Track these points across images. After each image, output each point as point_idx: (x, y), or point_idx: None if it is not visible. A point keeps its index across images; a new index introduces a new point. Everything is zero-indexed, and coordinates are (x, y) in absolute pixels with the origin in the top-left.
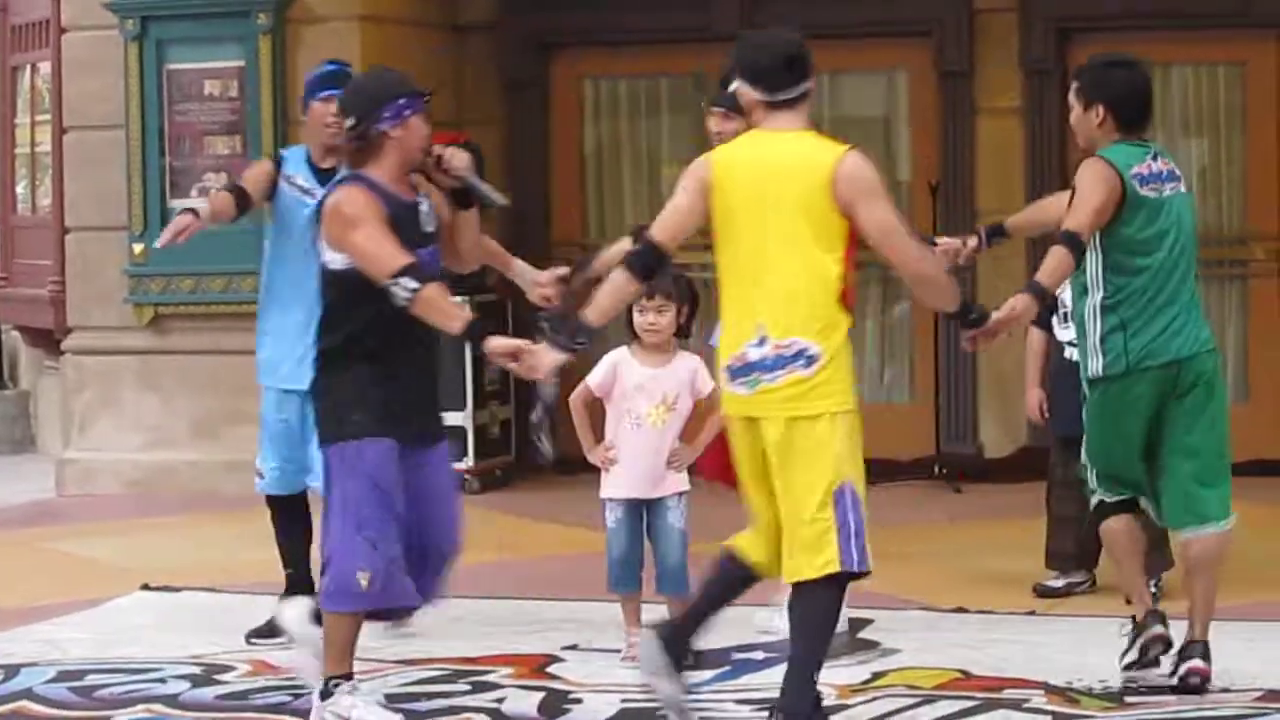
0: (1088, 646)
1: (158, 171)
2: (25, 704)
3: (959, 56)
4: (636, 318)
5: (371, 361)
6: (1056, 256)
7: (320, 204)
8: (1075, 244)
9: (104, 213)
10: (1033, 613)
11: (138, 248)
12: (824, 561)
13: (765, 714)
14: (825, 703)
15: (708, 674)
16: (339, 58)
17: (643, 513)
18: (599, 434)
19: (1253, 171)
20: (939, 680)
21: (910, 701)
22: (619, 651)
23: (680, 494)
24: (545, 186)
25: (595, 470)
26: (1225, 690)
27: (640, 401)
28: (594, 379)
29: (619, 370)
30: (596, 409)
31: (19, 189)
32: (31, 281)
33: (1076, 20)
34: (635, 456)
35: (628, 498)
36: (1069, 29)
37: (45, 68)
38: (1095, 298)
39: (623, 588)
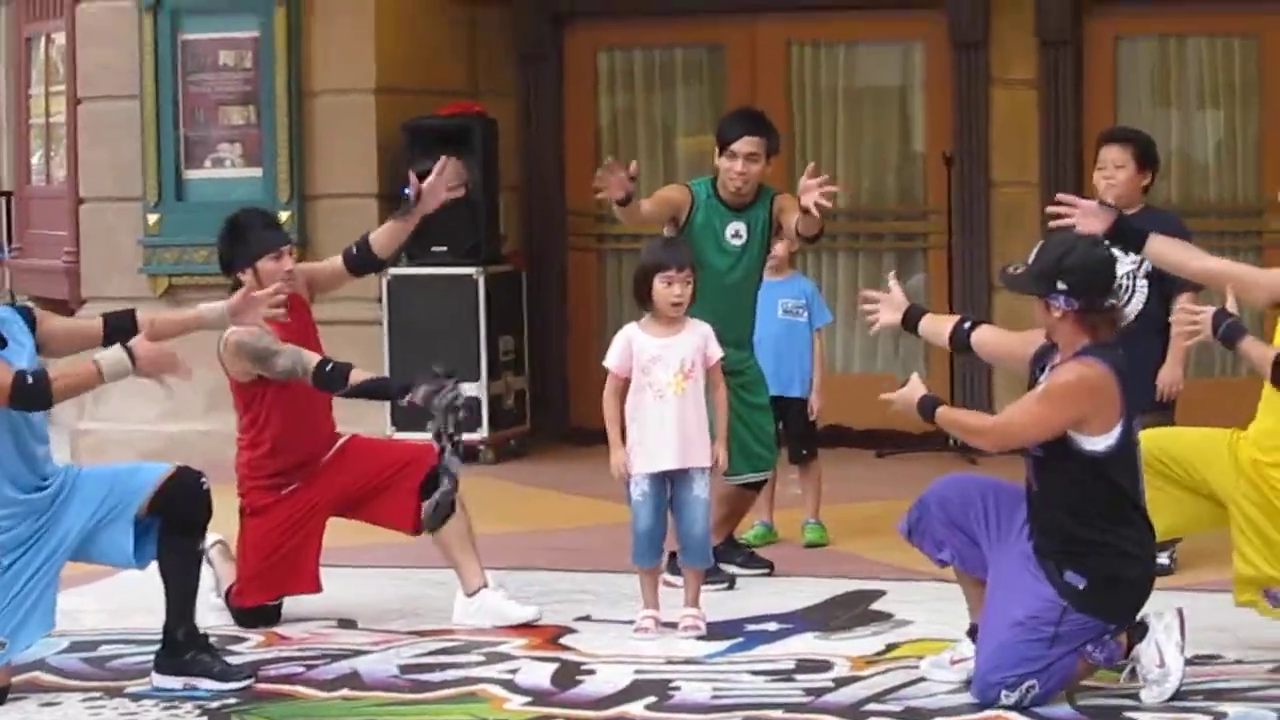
0: None
1: (172, 142)
2: (38, 674)
3: (974, 27)
4: (663, 289)
5: None
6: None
7: None
8: None
9: (118, 183)
10: None
11: (152, 218)
12: None
13: (778, 683)
14: (838, 673)
15: (722, 644)
16: (354, 27)
17: (667, 485)
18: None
19: (1268, 143)
20: None
21: (911, 678)
22: (632, 623)
23: (705, 468)
24: (560, 158)
25: (608, 439)
26: (1239, 662)
27: (658, 373)
28: (613, 361)
29: (633, 345)
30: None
31: (34, 160)
32: (46, 252)
33: None
34: (662, 428)
35: (656, 471)
36: (1086, 0)
37: (59, 38)
38: None
39: (647, 561)
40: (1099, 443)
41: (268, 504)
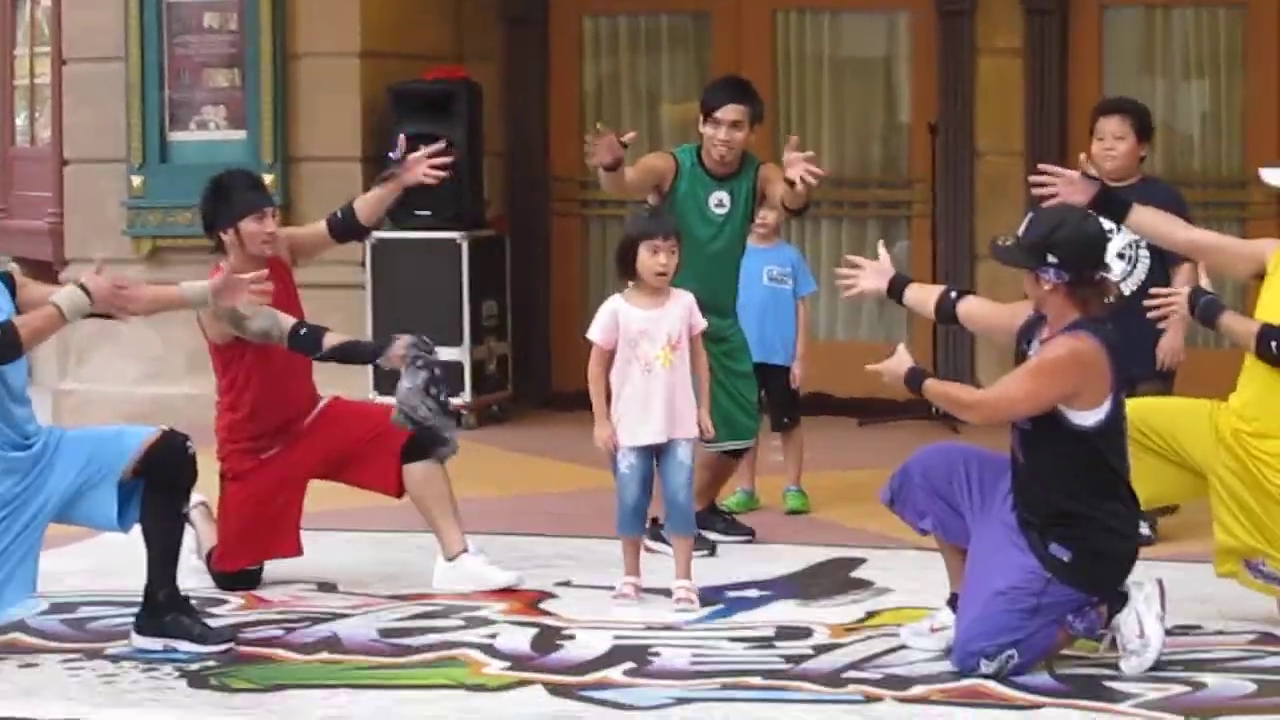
0: None
1: (157, 104)
2: (18, 635)
3: None
4: (649, 259)
5: None
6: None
7: None
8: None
9: (103, 145)
10: None
11: (136, 180)
12: None
13: (758, 650)
14: (818, 640)
15: (703, 611)
16: None
17: (653, 457)
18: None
19: (1253, 115)
20: None
21: (889, 646)
22: (612, 589)
23: (689, 438)
24: (545, 123)
25: (590, 406)
26: (1220, 633)
27: (645, 346)
28: (598, 334)
29: (619, 318)
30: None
31: (18, 121)
32: (30, 213)
33: None
34: (650, 400)
35: (641, 444)
36: None
37: None
38: None
39: (632, 530)
40: (1088, 417)
41: (248, 468)
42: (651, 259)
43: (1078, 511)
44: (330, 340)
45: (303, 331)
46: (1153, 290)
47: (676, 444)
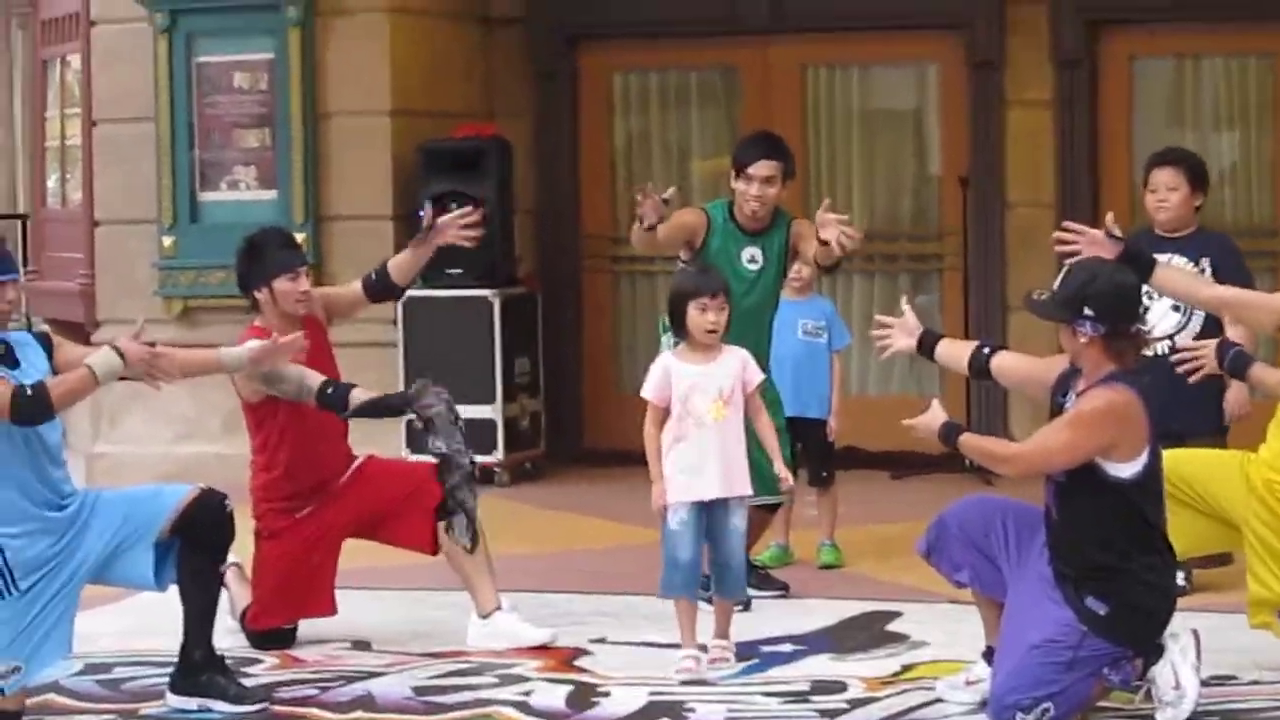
0: None
1: (187, 164)
2: (53, 696)
3: (990, 48)
4: (697, 317)
5: None
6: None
7: None
8: None
9: (134, 206)
10: None
11: (167, 240)
12: None
13: (793, 704)
14: (853, 694)
15: (738, 666)
16: (369, 49)
17: (702, 516)
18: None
19: None
20: None
21: (925, 700)
22: (647, 644)
23: (743, 497)
24: (575, 179)
25: (624, 463)
26: (1256, 683)
27: (697, 401)
28: (652, 391)
29: (671, 374)
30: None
31: (49, 182)
32: (62, 274)
33: (1107, 12)
34: (703, 455)
35: (697, 500)
36: (1099, 20)
37: (75, 61)
38: None
39: (683, 591)
40: (1125, 469)
41: (283, 527)
42: (700, 317)
43: (1114, 564)
44: (357, 397)
45: (330, 390)
46: (1180, 346)
47: (730, 506)
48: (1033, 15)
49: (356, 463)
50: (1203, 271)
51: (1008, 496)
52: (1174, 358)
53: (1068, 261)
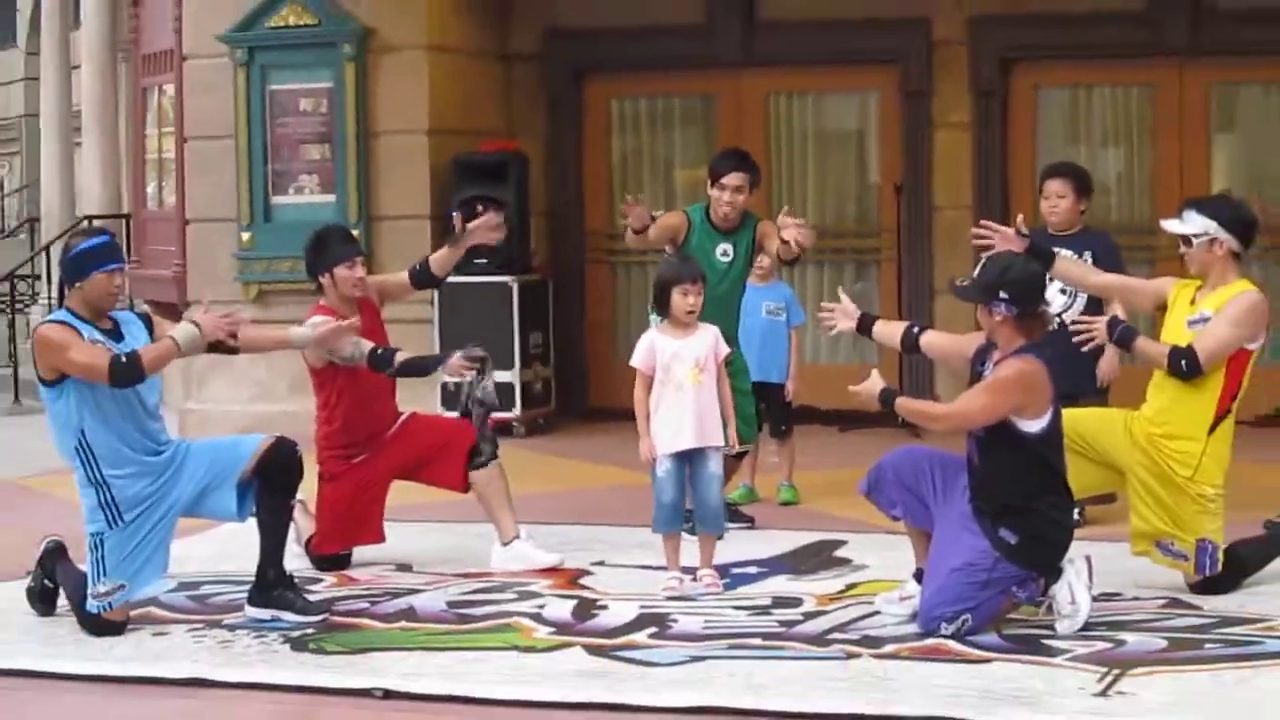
0: None
1: (262, 174)
2: (151, 609)
3: (920, 80)
4: (679, 300)
5: None
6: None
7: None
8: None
9: (217, 207)
10: None
11: (245, 236)
12: None
13: (757, 616)
14: (807, 608)
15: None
16: (411, 80)
17: (685, 463)
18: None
19: (1160, 175)
20: None
21: (866, 612)
22: (639, 567)
23: (718, 447)
24: (579, 187)
25: (620, 419)
26: (1137, 599)
27: (677, 369)
28: (639, 360)
29: (655, 347)
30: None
31: (149, 189)
32: (158, 264)
33: (1016, 50)
34: (682, 414)
35: (676, 452)
36: (1010, 58)
37: (170, 89)
38: None
39: (669, 527)
40: (1034, 425)
41: (341, 471)
42: (682, 300)
43: (1024, 503)
44: (400, 357)
45: (379, 352)
46: (1075, 320)
47: (707, 454)
48: (955, 53)
49: (402, 418)
50: (1088, 263)
51: (934, 447)
52: (1071, 328)
53: (984, 254)
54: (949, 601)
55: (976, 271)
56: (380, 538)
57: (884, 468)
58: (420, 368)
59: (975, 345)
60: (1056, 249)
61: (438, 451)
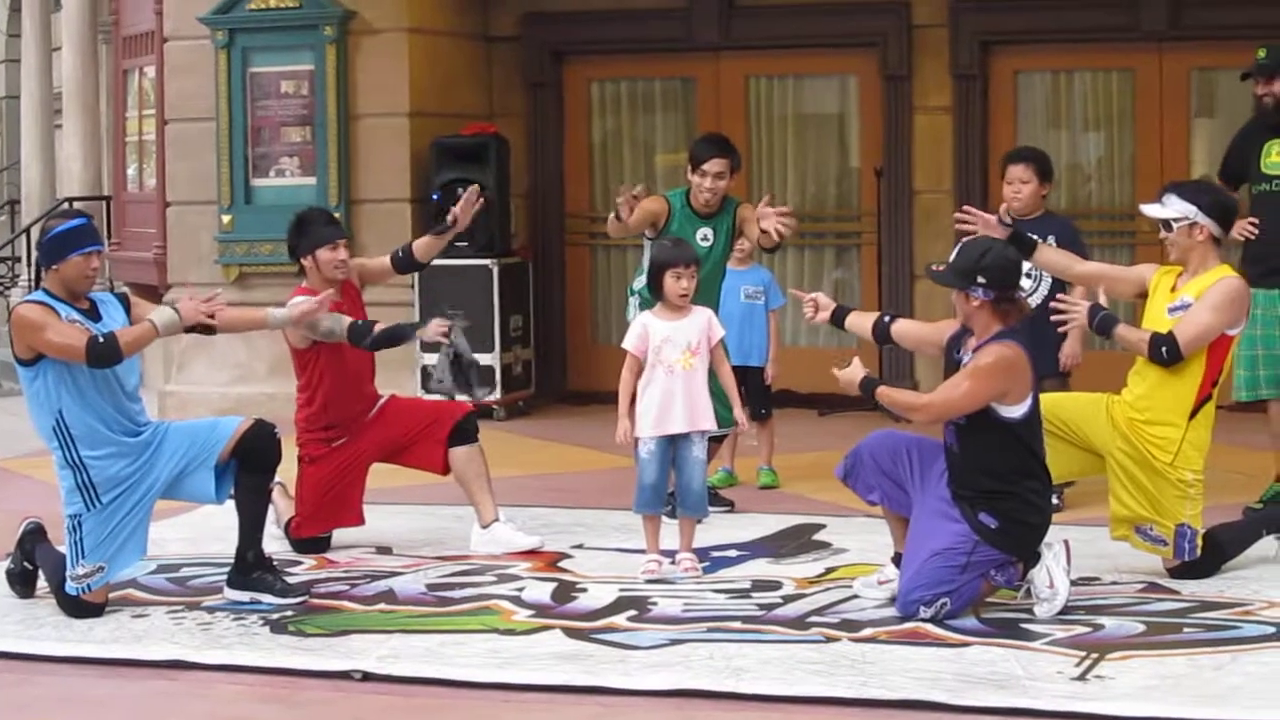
0: None
1: (242, 156)
2: (131, 591)
3: (900, 63)
4: (672, 284)
5: None
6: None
7: None
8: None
9: (198, 190)
10: None
11: (226, 218)
12: None
13: (737, 600)
14: (786, 591)
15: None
16: (391, 62)
17: (670, 446)
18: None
19: (1139, 159)
20: None
21: (845, 595)
22: (618, 550)
23: (703, 431)
24: (560, 168)
25: (599, 402)
26: (1115, 583)
27: (668, 351)
28: (632, 343)
29: (648, 329)
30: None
31: (129, 171)
32: (139, 246)
33: (996, 35)
34: (671, 397)
35: (663, 434)
36: (990, 42)
37: (150, 71)
38: None
39: (651, 509)
40: (1015, 411)
41: (322, 454)
42: (675, 283)
43: (1003, 488)
44: (379, 328)
45: (358, 324)
46: (1058, 298)
47: (693, 439)
48: (936, 37)
49: (381, 401)
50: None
51: (910, 432)
52: (1053, 305)
53: (964, 239)
54: (928, 584)
55: (952, 256)
56: (360, 520)
57: (861, 453)
58: (399, 335)
59: (948, 332)
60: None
61: (418, 434)
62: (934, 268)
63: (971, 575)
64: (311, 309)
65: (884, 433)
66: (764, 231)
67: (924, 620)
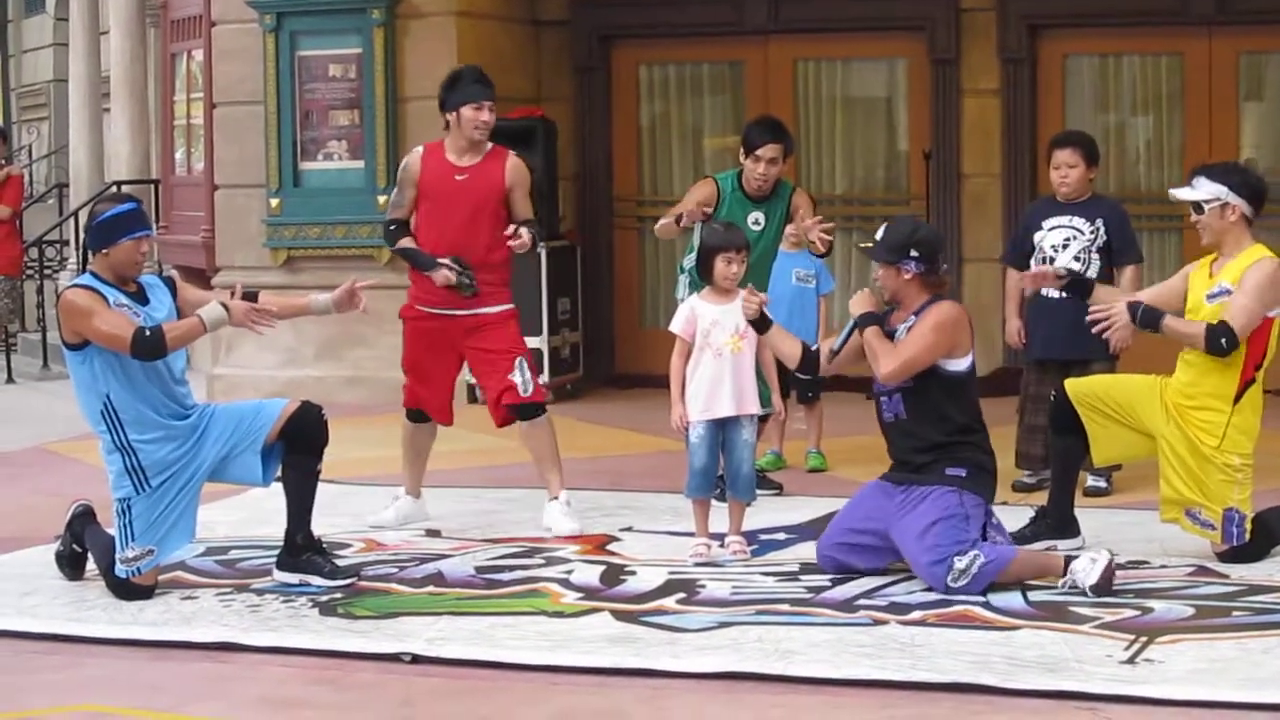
0: None
1: (290, 139)
2: (180, 573)
3: (948, 47)
4: (722, 268)
5: None
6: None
7: None
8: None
9: (246, 173)
10: (1005, 503)
11: (274, 201)
12: None
13: (785, 582)
14: (834, 574)
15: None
16: (439, 45)
17: (719, 430)
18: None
19: (1189, 143)
20: None
21: (893, 579)
22: (667, 533)
23: (752, 415)
24: (608, 153)
25: (646, 385)
26: (1164, 566)
27: (717, 335)
28: (680, 326)
29: (696, 313)
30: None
31: (177, 154)
32: (187, 230)
33: (1044, 18)
34: (720, 381)
35: (711, 418)
36: (1038, 25)
37: (198, 54)
38: None
39: (701, 493)
40: (961, 364)
41: (416, 316)
42: (725, 268)
43: (957, 439)
44: (405, 241)
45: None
46: (1093, 310)
47: (741, 422)
48: (984, 20)
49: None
50: (1097, 230)
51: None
52: (1089, 318)
53: (892, 218)
54: (945, 546)
55: (880, 233)
56: (448, 419)
57: (823, 553)
58: (416, 259)
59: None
60: (1063, 216)
61: (497, 377)
62: (862, 245)
63: (976, 524)
64: (350, 292)
65: (826, 530)
66: (811, 242)
67: (960, 585)
